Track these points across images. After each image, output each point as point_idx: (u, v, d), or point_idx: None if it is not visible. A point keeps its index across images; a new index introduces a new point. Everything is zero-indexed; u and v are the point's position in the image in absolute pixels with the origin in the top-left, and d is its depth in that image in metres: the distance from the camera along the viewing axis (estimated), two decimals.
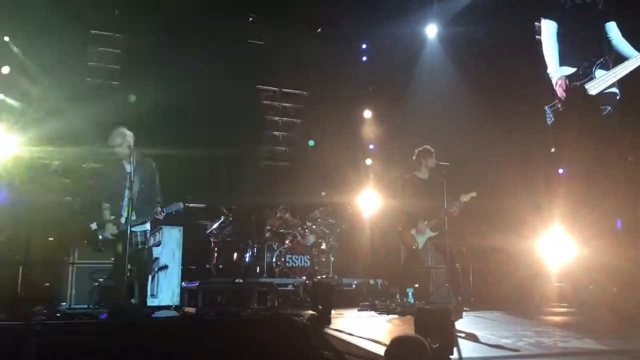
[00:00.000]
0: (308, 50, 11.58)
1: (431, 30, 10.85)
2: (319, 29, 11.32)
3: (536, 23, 9.27)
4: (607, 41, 8.36)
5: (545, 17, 9.10)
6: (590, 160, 7.62)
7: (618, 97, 8.08)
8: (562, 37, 8.82)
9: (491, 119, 9.40)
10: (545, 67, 8.76)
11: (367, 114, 11.44)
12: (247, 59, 10.96)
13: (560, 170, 9.07)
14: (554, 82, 8.46)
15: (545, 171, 8.95)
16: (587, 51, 8.21)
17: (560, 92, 8.33)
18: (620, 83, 8.06)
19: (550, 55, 8.63)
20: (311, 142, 9.95)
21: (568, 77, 8.32)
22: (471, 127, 9.51)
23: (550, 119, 8.92)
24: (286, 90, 11.87)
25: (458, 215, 6.66)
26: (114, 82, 10.24)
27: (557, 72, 8.44)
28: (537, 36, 9.33)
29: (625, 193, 7.33)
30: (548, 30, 8.87)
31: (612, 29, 8.29)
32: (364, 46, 11.89)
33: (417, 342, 3.02)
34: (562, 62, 8.50)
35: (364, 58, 11.81)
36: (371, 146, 11.39)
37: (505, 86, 9.45)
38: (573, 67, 8.31)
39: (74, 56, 9.72)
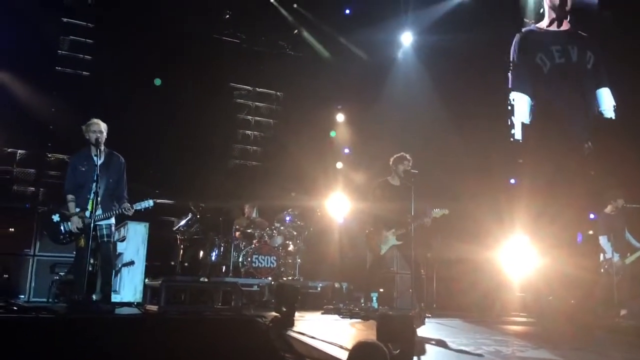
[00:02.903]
0: (284, 52, 11.59)
1: (406, 38, 10.96)
2: (295, 31, 11.32)
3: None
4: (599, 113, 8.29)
5: (515, 90, 8.95)
6: (552, 173, 7.83)
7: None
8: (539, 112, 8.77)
9: (458, 129, 9.58)
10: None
11: (340, 117, 11.48)
12: (221, 56, 10.90)
13: (512, 181, 9.32)
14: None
15: (508, 182, 9.17)
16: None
17: None
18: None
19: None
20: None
21: None
22: (439, 136, 9.67)
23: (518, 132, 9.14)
24: (260, 89, 11.82)
25: (427, 227, 6.73)
26: (85, 73, 10.02)
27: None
28: (507, 57, 9.56)
29: (585, 205, 7.55)
30: (519, 104, 8.81)
31: (605, 98, 8.14)
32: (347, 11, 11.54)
33: (377, 348, 3.05)
34: None
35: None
36: (346, 150, 11.43)
37: (473, 98, 9.64)
38: None
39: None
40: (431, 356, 4.05)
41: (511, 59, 9.32)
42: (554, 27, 9.24)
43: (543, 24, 9.56)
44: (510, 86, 9.31)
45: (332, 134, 11.32)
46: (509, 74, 9.39)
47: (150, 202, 5.69)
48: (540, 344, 4.85)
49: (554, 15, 9.22)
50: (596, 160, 8.59)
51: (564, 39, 9.04)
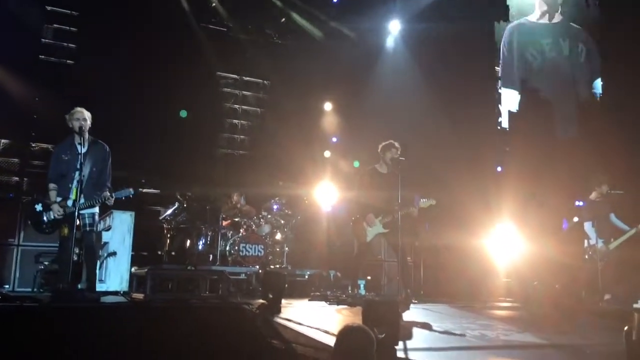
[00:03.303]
0: (271, 40, 11.52)
1: (394, 27, 10.93)
2: (282, 19, 11.25)
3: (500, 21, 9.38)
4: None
5: (505, 87, 8.81)
6: (538, 160, 7.86)
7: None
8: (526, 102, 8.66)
9: (446, 117, 9.60)
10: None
11: (328, 106, 11.45)
12: (208, 44, 10.81)
13: (499, 169, 9.35)
14: None
15: (496, 170, 9.22)
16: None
17: None
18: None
19: None
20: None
21: None
22: (427, 124, 9.68)
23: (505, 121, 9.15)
24: (247, 78, 11.74)
25: (414, 217, 6.74)
26: (69, 61, 9.89)
27: None
28: (498, 44, 9.51)
29: (570, 192, 7.61)
30: (507, 98, 8.70)
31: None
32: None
33: (363, 332, 3.05)
34: None
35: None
36: (334, 139, 11.41)
37: (461, 86, 9.65)
38: None
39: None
40: (416, 340, 4.07)
41: (501, 53, 9.27)
42: (545, 20, 9.16)
43: (534, 17, 9.47)
44: (500, 81, 9.25)
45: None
46: (499, 68, 9.33)
47: (131, 191, 5.65)
48: (525, 328, 4.90)
49: (545, 8, 9.13)
50: (582, 147, 8.65)
51: (555, 31, 8.92)
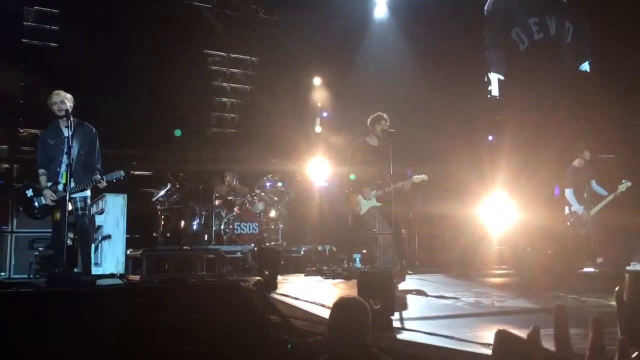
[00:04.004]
0: (258, 15, 11.38)
1: None
2: None
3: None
4: None
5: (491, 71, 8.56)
6: (531, 129, 7.83)
7: None
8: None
9: (437, 87, 9.55)
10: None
11: (317, 81, 11.36)
12: (194, 21, 10.66)
13: (490, 138, 9.30)
14: None
15: (487, 139, 9.21)
16: None
17: None
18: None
19: None
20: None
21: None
22: (419, 95, 9.63)
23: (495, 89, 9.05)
24: (234, 55, 11.61)
25: (406, 190, 6.75)
26: (53, 44, 9.74)
27: None
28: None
29: (561, 161, 7.62)
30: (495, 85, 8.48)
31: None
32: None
33: (358, 303, 3.07)
34: None
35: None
36: (325, 114, 11.35)
37: (452, 56, 9.57)
38: None
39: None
40: (412, 309, 4.11)
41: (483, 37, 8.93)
42: None
43: None
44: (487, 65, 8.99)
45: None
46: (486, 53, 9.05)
47: (122, 173, 5.64)
48: (518, 294, 4.96)
49: None
50: (574, 115, 8.62)
51: (541, 7, 8.55)
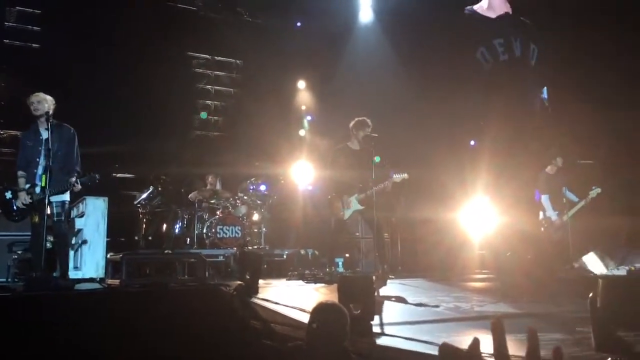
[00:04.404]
0: (242, 19, 11.36)
1: (365, 2, 10.86)
2: None
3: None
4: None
5: None
6: (511, 132, 7.88)
7: None
8: None
9: (421, 92, 9.60)
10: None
11: (301, 84, 11.37)
12: (178, 24, 10.61)
13: (472, 142, 9.35)
14: None
15: (470, 145, 9.27)
16: None
17: None
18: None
19: None
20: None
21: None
22: (402, 99, 9.67)
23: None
24: (219, 58, 11.58)
25: (387, 191, 6.77)
26: (34, 45, 9.63)
27: None
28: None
29: (541, 165, 7.71)
30: None
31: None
32: (298, 24, 11.59)
33: (337, 308, 3.08)
34: None
35: (298, 24, 11.57)
36: (308, 117, 11.36)
37: (436, 60, 9.61)
38: None
39: None
40: (392, 314, 4.13)
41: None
42: (493, 12, 8.53)
43: (482, 5, 8.86)
44: None
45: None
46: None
47: (96, 176, 5.57)
48: (499, 298, 5.00)
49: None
50: (553, 120, 8.71)
51: (506, 28, 8.23)
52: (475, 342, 1.02)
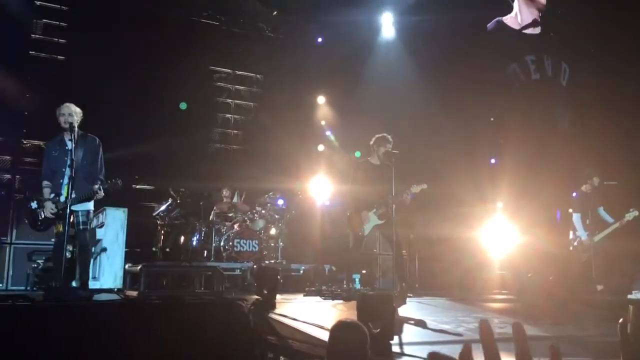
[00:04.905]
0: (264, 34, 11.46)
1: (387, 19, 10.89)
2: (275, 12, 11.18)
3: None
4: None
5: None
6: (532, 152, 7.81)
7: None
8: None
9: (442, 109, 9.56)
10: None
11: (321, 100, 11.40)
12: (200, 38, 10.73)
13: (493, 160, 9.18)
14: None
15: (490, 163, 9.19)
16: None
17: None
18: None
19: None
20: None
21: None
22: (422, 116, 9.65)
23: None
24: (240, 72, 11.67)
25: (407, 204, 6.70)
26: (59, 57, 9.80)
27: None
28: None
29: (563, 184, 7.60)
30: None
31: None
32: (319, 39, 11.66)
33: (357, 327, 3.03)
34: None
35: (319, 39, 11.63)
36: (328, 132, 11.37)
37: (456, 77, 9.60)
38: None
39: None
40: (412, 334, 4.06)
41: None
42: (524, 26, 8.03)
43: (513, 20, 8.37)
44: None
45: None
46: None
47: (119, 183, 5.60)
48: (520, 319, 4.88)
49: (526, 11, 7.98)
50: (576, 139, 8.61)
51: (538, 44, 7.76)
52: (467, 348, 1.01)
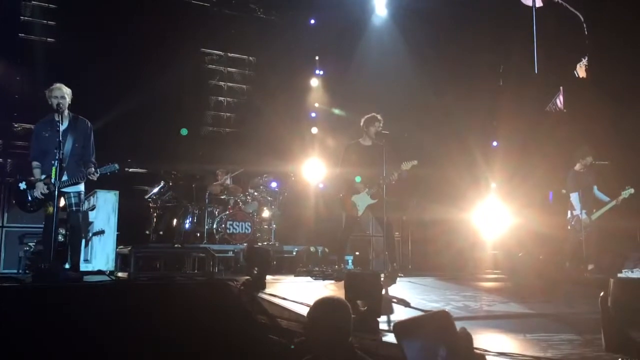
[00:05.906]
0: (256, 15, 11.36)
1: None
2: None
3: None
4: None
5: None
6: (525, 134, 7.82)
7: None
8: None
9: (435, 91, 9.53)
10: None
11: (314, 82, 11.34)
12: (192, 20, 10.61)
13: (495, 143, 9.23)
14: None
15: (484, 144, 9.19)
16: None
17: None
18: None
19: None
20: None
21: None
22: (415, 97, 9.61)
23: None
24: (232, 54, 11.58)
25: (399, 185, 6.68)
26: (49, 39, 9.69)
27: None
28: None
29: (555, 165, 7.59)
30: None
31: None
32: (312, 21, 11.54)
33: (338, 302, 3.02)
34: None
35: (312, 21, 11.52)
36: (313, 114, 11.32)
37: (449, 59, 9.56)
38: None
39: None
40: (399, 312, 4.08)
41: None
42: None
43: None
44: None
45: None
46: None
47: (116, 166, 5.57)
48: (509, 298, 4.92)
49: None
50: (567, 120, 8.61)
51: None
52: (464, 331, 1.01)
